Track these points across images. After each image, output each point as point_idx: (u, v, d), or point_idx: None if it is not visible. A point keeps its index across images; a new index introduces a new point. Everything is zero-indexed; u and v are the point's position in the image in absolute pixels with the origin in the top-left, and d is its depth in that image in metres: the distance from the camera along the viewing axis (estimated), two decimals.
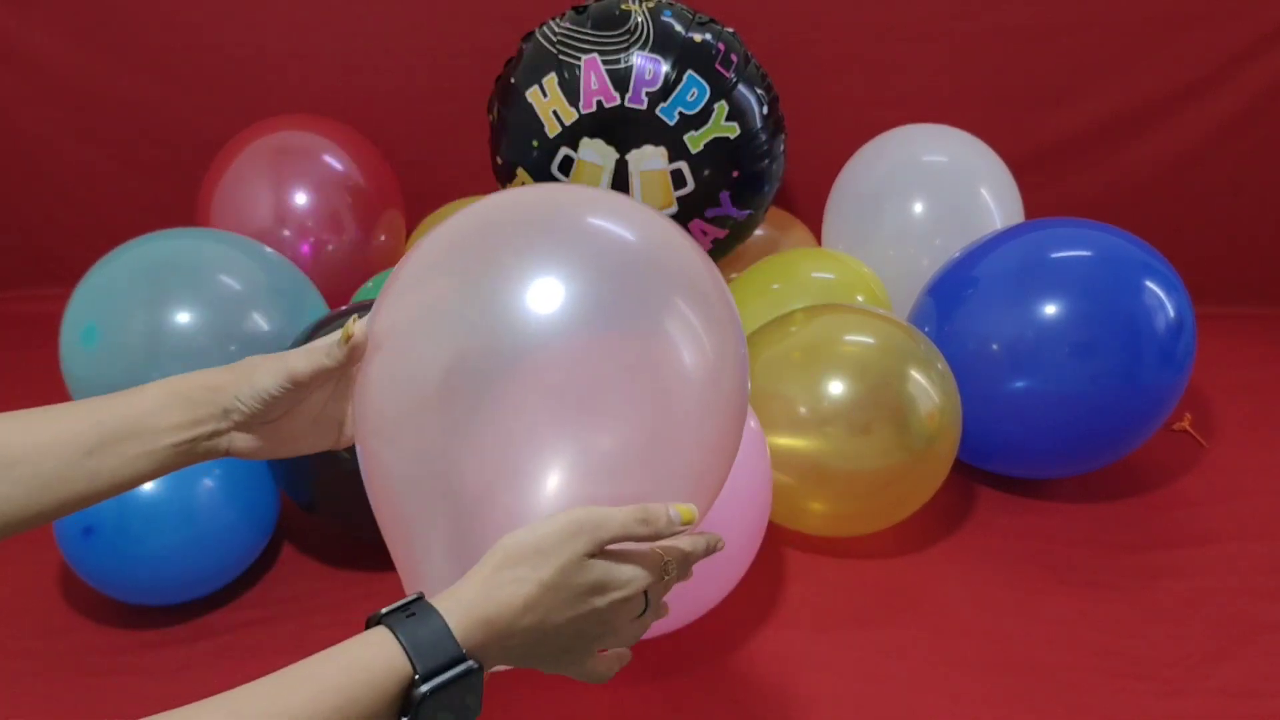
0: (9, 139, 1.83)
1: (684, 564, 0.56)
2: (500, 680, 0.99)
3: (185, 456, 0.57)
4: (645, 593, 0.54)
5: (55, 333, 1.20)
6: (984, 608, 1.09)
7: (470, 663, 0.47)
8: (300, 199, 1.51)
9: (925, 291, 1.31)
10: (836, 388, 1.08)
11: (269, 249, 1.29)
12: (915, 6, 1.72)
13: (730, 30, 1.40)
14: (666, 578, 0.54)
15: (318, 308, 1.26)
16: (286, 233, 1.50)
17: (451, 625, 0.47)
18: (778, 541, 1.19)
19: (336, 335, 0.57)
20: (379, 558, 1.15)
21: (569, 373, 0.52)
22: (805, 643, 1.04)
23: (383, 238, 1.60)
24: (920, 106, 1.68)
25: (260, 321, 1.19)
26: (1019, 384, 1.18)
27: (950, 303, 1.25)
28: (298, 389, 0.57)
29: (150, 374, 1.16)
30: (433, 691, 0.46)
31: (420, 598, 0.49)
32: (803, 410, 1.08)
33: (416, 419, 0.54)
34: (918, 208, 1.45)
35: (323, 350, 0.57)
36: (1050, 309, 1.16)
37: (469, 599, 0.48)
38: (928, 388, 1.09)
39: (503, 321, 0.52)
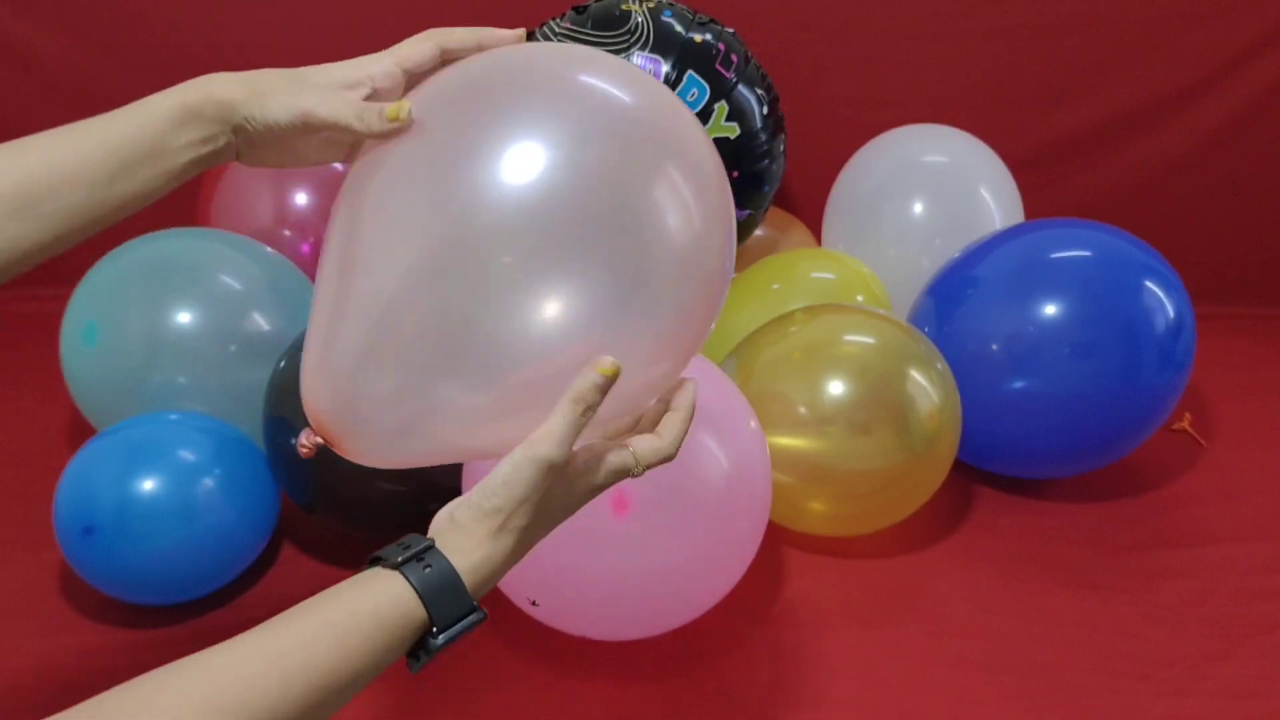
0: (9, 139, 1.83)
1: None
2: (496, 681, 0.99)
3: (200, 166, 0.58)
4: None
5: (56, 332, 1.20)
6: (984, 608, 1.09)
7: (480, 613, 0.52)
8: (301, 198, 1.51)
9: (925, 292, 1.31)
10: (836, 388, 1.08)
11: (269, 249, 1.29)
12: (915, 6, 1.72)
13: (730, 30, 1.40)
14: (635, 472, 0.57)
15: None
16: (287, 232, 1.50)
17: (466, 581, 0.51)
18: (778, 541, 1.19)
19: (377, 106, 0.56)
20: None
21: (543, 231, 0.52)
22: (805, 642, 1.04)
23: None
24: (920, 106, 1.68)
25: (260, 321, 1.19)
26: (1019, 384, 1.18)
27: (950, 303, 1.25)
28: (308, 130, 0.57)
29: (150, 373, 1.17)
30: (445, 641, 0.50)
31: (432, 545, 0.52)
32: (803, 410, 1.08)
33: (403, 267, 0.53)
34: (917, 208, 1.45)
35: (352, 112, 0.56)
36: (1050, 309, 1.16)
37: (477, 556, 0.52)
38: (928, 388, 1.09)
39: (477, 193, 0.52)
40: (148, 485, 1.00)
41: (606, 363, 0.52)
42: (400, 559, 0.50)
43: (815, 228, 1.64)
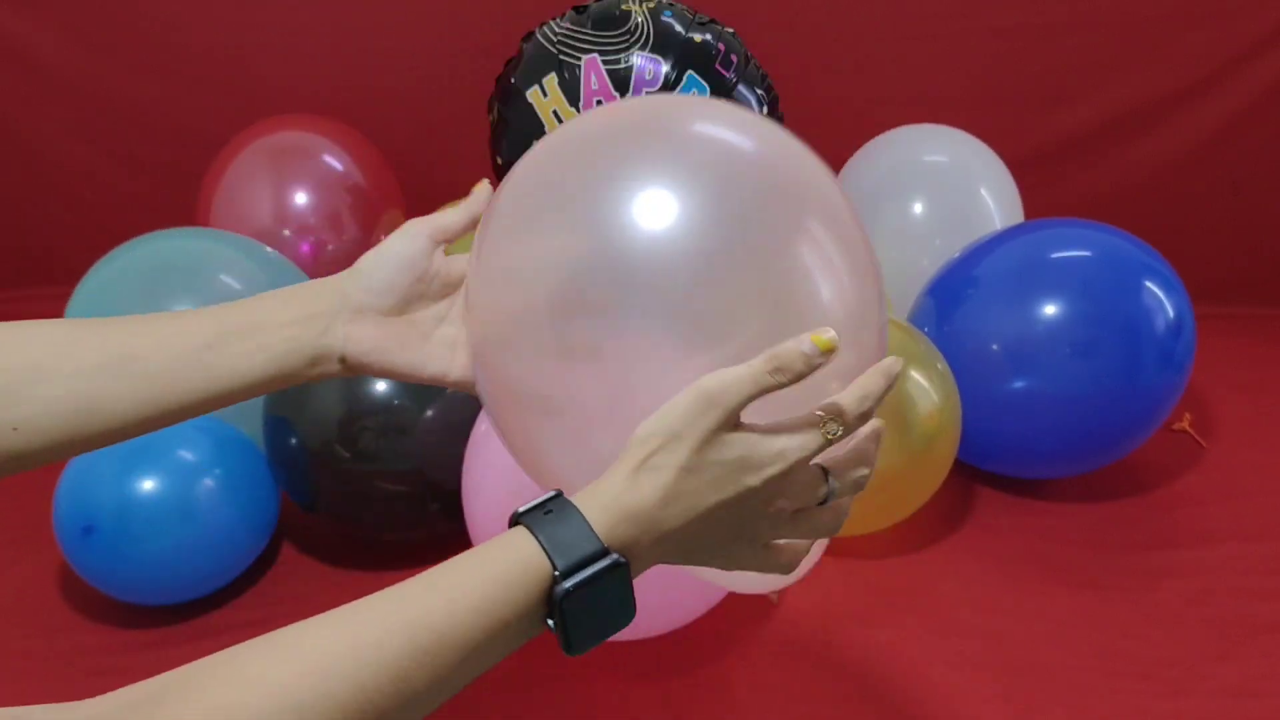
0: (9, 139, 1.83)
1: (852, 415, 0.48)
2: (497, 680, 0.99)
3: (300, 355, 0.55)
4: (824, 470, 0.49)
5: None
6: (984, 608, 1.09)
7: (614, 557, 0.44)
8: (300, 199, 1.51)
9: (925, 292, 1.31)
10: None
11: (269, 249, 1.30)
12: (915, 6, 1.72)
13: (730, 30, 1.40)
14: (831, 436, 0.47)
15: None
16: (287, 233, 1.50)
17: (591, 520, 0.45)
18: None
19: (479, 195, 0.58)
20: (379, 557, 1.15)
21: (690, 294, 0.47)
22: (805, 642, 1.04)
23: (383, 237, 1.60)
24: (920, 106, 1.68)
25: None
26: (1019, 384, 1.18)
27: (950, 303, 1.25)
28: (426, 256, 0.57)
29: None
30: (575, 588, 0.44)
31: (558, 494, 0.46)
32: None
33: (528, 334, 0.51)
34: (917, 208, 1.45)
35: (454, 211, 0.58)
36: (1050, 309, 1.16)
37: (609, 495, 0.46)
38: (928, 388, 1.09)
39: (612, 242, 0.48)
40: (147, 485, 1.00)
41: (826, 335, 0.45)
42: (523, 510, 0.46)
43: None
